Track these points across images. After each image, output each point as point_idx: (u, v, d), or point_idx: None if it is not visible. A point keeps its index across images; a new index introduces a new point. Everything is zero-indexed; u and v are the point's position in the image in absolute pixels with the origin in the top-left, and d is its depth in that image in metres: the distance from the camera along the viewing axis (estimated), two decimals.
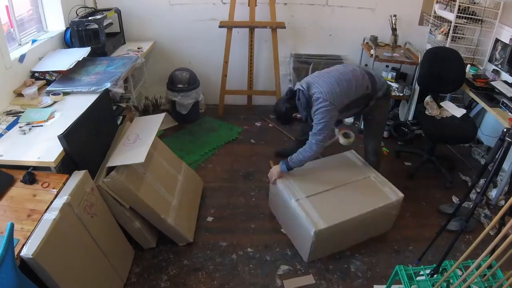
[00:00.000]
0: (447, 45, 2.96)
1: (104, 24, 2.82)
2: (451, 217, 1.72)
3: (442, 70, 2.76)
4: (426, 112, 2.69)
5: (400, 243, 2.20)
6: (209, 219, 2.33)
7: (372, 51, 3.09)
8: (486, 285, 1.47)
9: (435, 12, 3.19)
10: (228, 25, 3.19)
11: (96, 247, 1.59)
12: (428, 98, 2.77)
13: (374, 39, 3.29)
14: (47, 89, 2.22)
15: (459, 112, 2.72)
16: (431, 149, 2.81)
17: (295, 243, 2.12)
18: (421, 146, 3.04)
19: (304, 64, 3.49)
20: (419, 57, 3.01)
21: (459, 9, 2.86)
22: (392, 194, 2.13)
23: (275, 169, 2.18)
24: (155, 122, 2.12)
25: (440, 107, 2.77)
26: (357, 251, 2.13)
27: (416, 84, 3.10)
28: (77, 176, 1.59)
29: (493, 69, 2.91)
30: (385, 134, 3.28)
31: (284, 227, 2.24)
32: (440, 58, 2.78)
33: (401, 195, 2.11)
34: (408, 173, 2.82)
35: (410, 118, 3.28)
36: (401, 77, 3.44)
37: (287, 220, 2.14)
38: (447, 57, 2.77)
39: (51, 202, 1.47)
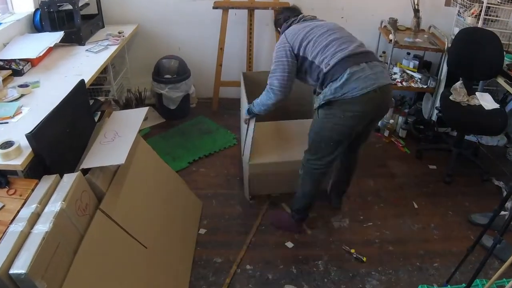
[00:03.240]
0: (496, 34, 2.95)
1: (80, 4, 2.82)
2: (485, 229, 1.72)
3: (476, 54, 2.81)
4: (451, 97, 2.76)
5: (423, 259, 2.20)
6: (201, 231, 2.33)
7: (391, 36, 3.09)
8: None
9: None
10: (224, 6, 3.19)
11: None
12: (458, 84, 2.80)
13: (394, 22, 3.29)
14: None
15: (490, 105, 2.74)
16: (459, 141, 2.86)
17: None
18: (447, 142, 3.09)
19: None
20: (446, 43, 3.01)
21: None
22: None
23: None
24: (137, 117, 2.11)
25: (469, 94, 2.81)
26: (373, 268, 2.13)
27: (443, 75, 3.11)
28: (48, 181, 1.59)
29: None
30: (404, 133, 3.28)
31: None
32: (474, 40, 2.82)
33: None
34: (434, 178, 2.83)
35: (435, 114, 3.28)
36: (424, 66, 3.44)
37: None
38: (483, 39, 2.81)
39: (18, 212, 1.47)
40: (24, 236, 1.37)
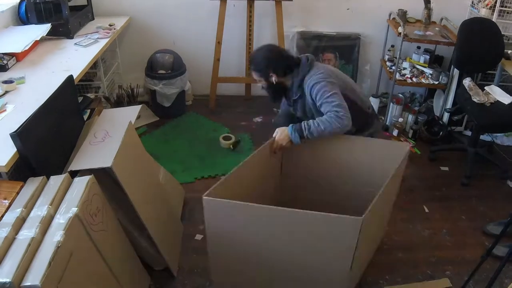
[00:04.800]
0: (493, 21, 2.97)
1: None
2: (498, 239, 1.72)
3: (477, 45, 2.84)
4: (474, 100, 2.73)
5: (435, 267, 2.20)
6: (198, 237, 2.33)
7: (400, 29, 3.09)
8: None
9: None
10: None
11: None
12: (469, 82, 2.79)
13: (403, 13, 3.29)
14: None
15: (507, 99, 2.75)
16: (475, 140, 2.88)
17: None
18: (461, 141, 3.13)
19: (314, 44, 3.50)
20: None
21: None
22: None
23: (282, 134, 2.04)
24: (129, 115, 2.12)
25: (482, 90, 2.82)
26: (381, 277, 2.13)
27: (455, 70, 3.11)
28: (34, 183, 1.59)
29: None
30: (410, 133, 3.29)
31: None
32: (475, 31, 2.86)
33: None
34: (447, 180, 2.83)
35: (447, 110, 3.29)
36: (435, 60, 3.44)
37: None
38: (482, 30, 2.85)
39: (2, 216, 1.47)
40: (8, 243, 1.37)
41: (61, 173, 1.72)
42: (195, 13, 3.42)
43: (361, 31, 3.56)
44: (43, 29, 2.62)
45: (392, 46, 3.51)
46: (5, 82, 2.17)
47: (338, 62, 3.57)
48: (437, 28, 3.29)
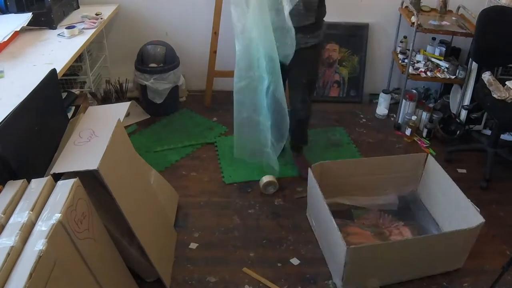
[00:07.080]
0: None
1: None
2: None
3: (498, 36, 2.85)
4: (494, 95, 2.73)
5: (451, 278, 2.20)
6: (192, 246, 2.33)
7: (413, 18, 3.09)
8: None
9: None
10: None
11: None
12: (489, 76, 2.79)
13: (416, 1, 3.29)
14: None
15: None
16: (495, 140, 2.88)
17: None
18: (480, 141, 3.14)
19: None
20: None
21: None
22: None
23: None
24: (118, 113, 2.12)
25: (503, 85, 2.82)
26: None
27: (473, 64, 3.11)
28: (14, 187, 1.59)
29: None
30: (425, 132, 3.29)
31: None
32: (495, 21, 2.85)
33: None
34: (464, 183, 2.82)
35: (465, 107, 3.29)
36: (452, 53, 3.44)
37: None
38: (503, 19, 2.86)
39: None
40: None
41: (43, 176, 1.72)
42: (190, 1, 3.42)
43: (371, 20, 3.56)
44: (23, 18, 2.63)
45: (405, 37, 3.51)
46: None
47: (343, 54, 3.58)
48: (453, 18, 3.29)
